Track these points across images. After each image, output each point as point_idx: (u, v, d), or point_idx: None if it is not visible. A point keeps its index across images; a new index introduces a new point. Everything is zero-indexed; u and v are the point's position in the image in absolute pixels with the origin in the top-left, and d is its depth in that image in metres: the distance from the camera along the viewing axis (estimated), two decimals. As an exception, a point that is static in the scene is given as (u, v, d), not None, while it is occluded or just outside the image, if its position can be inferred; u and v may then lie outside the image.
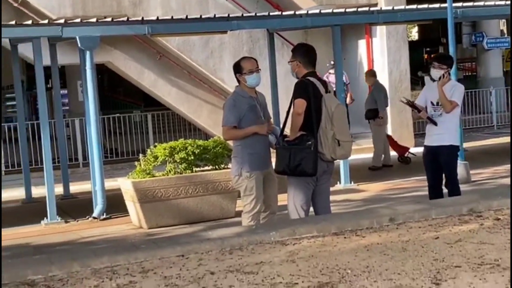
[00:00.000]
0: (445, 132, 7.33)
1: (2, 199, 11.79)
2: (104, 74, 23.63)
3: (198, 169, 9.04)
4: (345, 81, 12.59)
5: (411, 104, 7.50)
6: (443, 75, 7.33)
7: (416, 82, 21.36)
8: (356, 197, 10.03)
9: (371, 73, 13.17)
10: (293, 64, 6.20)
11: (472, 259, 4.53)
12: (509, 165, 11.46)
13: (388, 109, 13.18)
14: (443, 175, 7.61)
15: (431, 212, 5.84)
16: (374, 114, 12.49)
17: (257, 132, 6.35)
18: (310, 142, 5.92)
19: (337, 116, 5.98)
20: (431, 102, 7.40)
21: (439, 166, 7.49)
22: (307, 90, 5.98)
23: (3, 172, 14.29)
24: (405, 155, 12.81)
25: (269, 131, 6.38)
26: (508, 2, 12.83)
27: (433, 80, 7.48)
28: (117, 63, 14.35)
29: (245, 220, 6.47)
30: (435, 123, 7.33)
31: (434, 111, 7.37)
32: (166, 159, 8.91)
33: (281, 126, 6.35)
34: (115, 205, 9.57)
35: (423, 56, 32.65)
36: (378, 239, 5.21)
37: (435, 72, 7.40)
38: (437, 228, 5.45)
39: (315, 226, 5.45)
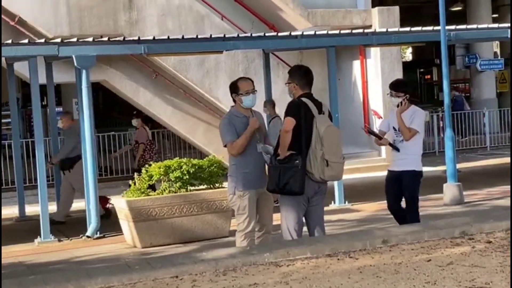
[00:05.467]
0: (408, 157, 7.25)
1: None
2: (99, 92, 23.70)
3: (192, 188, 9.07)
4: None
5: (371, 132, 7.42)
6: (401, 102, 7.25)
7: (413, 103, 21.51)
8: (350, 217, 10.06)
9: (65, 115, 11.25)
10: (290, 86, 6.29)
11: (464, 282, 4.57)
12: (502, 187, 11.57)
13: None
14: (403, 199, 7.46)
15: (423, 235, 5.89)
16: (72, 163, 10.71)
17: (253, 128, 6.38)
18: (297, 161, 5.99)
19: (327, 137, 6.02)
20: (394, 128, 7.33)
21: (401, 191, 7.39)
22: (298, 110, 6.07)
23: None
24: (107, 206, 10.71)
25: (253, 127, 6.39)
26: (501, 25, 12.99)
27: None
28: (112, 81, 14.41)
29: (239, 239, 6.49)
30: (397, 149, 7.25)
31: (396, 136, 7.30)
32: (161, 177, 8.94)
33: (275, 145, 6.39)
34: (109, 224, 9.58)
35: (417, 76, 32.91)
36: (371, 261, 5.24)
37: (394, 100, 7.35)
38: (429, 250, 5.50)
39: (309, 248, 5.49)
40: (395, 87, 7.42)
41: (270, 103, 11.47)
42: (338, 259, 5.35)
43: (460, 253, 5.35)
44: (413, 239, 5.80)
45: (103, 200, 10.62)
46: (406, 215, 7.39)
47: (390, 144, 7.30)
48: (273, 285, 4.69)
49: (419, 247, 5.60)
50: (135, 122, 12.13)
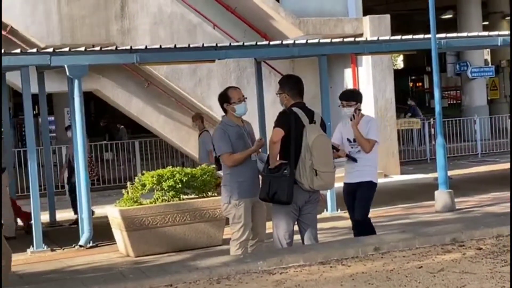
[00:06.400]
0: (365, 168, 7.06)
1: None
2: (91, 101, 23.71)
3: (185, 196, 9.09)
4: None
5: None
6: (355, 112, 7.05)
7: (402, 110, 21.64)
8: (342, 224, 10.07)
9: None
10: (282, 96, 6.34)
11: (455, 289, 4.62)
12: (493, 194, 11.65)
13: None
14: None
15: (415, 241, 5.95)
16: None
17: (258, 149, 6.46)
18: (286, 171, 6.02)
19: (317, 147, 6.04)
20: (348, 139, 7.14)
21: None
22: (287, 120, 6.11)
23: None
24: (31, 222, 9.90)
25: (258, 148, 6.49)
26: (491, 33, 13.10)
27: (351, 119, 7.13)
28: (104, 90, 14.43)
29: (233, 247, 6.51)
30: (355, 160, 7.04)
31: (352, 147, 7.10)
32: (154, 187, 8.95)
33: (267, 153, 6.43)
34: (102, 233, 9.57)
35: (409, 84, 33.11)
36: (363, 268, 5.28)
37: (346, 110, 7.14)
38: (420, 257, 5.54)
39: (302, 255, 5.52)
40: (345, 97, 7.25)
41: (198, 117, 11.44)
42: (331, 267, 5.38)
43: (451, 260, 5.40)
44: (404, 246, 5.85)
45: (24, 215, 10.63)
46: (361, 228, 7.00)
47: (347, 155, 7.06)
48: (266, 293, 4.73)
49: (411, 254, 5.64)
50: (70, 134, 10.81)
